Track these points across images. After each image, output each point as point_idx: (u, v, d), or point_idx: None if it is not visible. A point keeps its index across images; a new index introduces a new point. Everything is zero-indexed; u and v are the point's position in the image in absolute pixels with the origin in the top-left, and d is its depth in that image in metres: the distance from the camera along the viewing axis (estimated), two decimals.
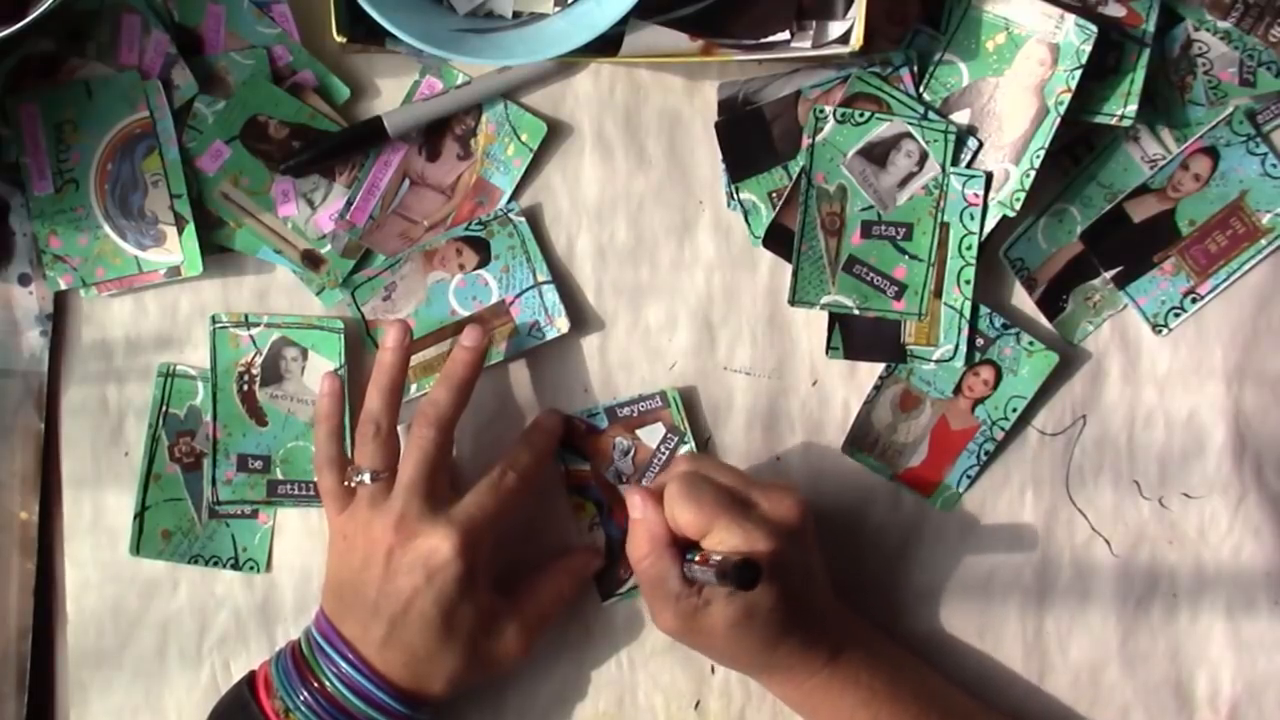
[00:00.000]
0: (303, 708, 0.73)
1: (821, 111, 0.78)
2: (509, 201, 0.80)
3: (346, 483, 0.77)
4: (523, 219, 0.80)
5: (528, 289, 0.81)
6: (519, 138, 0.80)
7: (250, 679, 0.76)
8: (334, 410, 0.79)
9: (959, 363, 0.80)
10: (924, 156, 0.79)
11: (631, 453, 0.81)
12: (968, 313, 0.79)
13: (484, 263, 0.81)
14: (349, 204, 0.81)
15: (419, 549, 0.73)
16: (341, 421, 0.79)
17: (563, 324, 0.80)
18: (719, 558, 0.70)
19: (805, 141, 0.79)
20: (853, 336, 0.81)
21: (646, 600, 0.75)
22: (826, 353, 0.81)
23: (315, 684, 0.74)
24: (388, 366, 0.77)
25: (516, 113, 0.80)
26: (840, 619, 0.77)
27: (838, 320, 0.81)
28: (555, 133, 0.81)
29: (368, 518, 0.75)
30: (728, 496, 0.73)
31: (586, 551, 0.81)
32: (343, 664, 0.73)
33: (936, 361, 0.80)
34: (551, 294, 0.80)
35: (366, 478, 0.75)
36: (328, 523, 0.78)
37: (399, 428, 0.77)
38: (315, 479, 0.79)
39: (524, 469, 0.77)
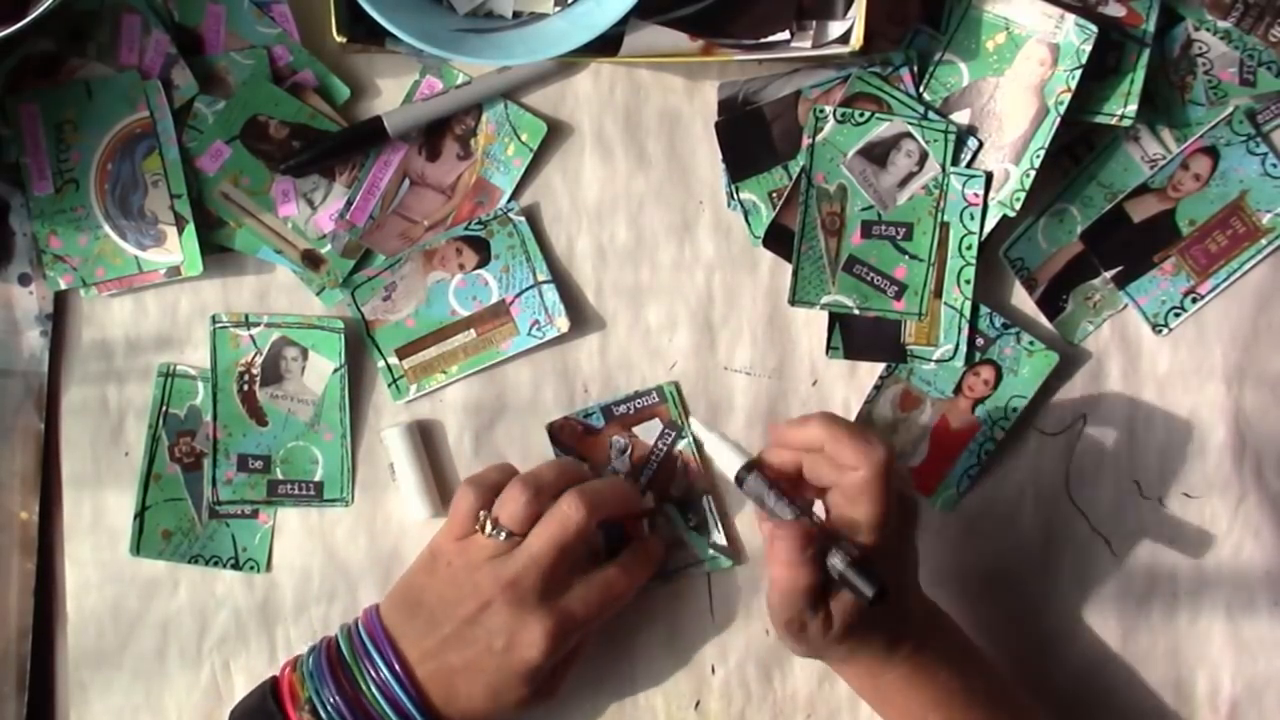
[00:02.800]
0: (333, 713, 0.72)
1: (821, 111, 0.78)
2: (509, 201, 0.80)
3: (477, 526, 0.75)
4: (522, 219, 0.80)
5: (527, 288, 0.81)
6: (519, 138, 0.80)
7: (274, 685, 0.75)
8: (498, 482, 0.77)
9: (959, 363, 0.80)
10: (924, 156, 0.79)
11: (628, 450, 0.81)
12: (968, 313, 0.79)
13: (484, 262, 0.81)
14: (349, 204, 0.81)
15: (514, 623, 0.73)
16: (495, 494, 0.77)
17: (563, 323, 0.80)
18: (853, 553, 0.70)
19: (805, 141, 0.79)
20: (853, 336, 0.81)
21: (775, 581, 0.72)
22: (826, 353, 0.81)
23: (349, 689, 0.73)
24: (604, 486, 0.77)
25: (516, 113, 0.80)
26: (925, 612, 0.76)
27: (838, 320, 0.81)
28: (555, 133, 0.81)
29: (480, 563, 0.74)
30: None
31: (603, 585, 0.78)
32: (385, 672, 0.73)
33: (936, 361, 0.80)
34: (551, 293, 0.80)
35: (502, 534, 0.74)
36: (434, 535, 0.77)
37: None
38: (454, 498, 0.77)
39: (636, 578, 0.77)
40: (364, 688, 0.73)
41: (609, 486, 0.77)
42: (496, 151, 0.81)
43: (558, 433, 0.82)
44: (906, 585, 0.74)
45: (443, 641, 0.73)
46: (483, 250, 0.81)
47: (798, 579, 0.70)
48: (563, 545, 0.73)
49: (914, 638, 0.73)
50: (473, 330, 0.81)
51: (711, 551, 0.82)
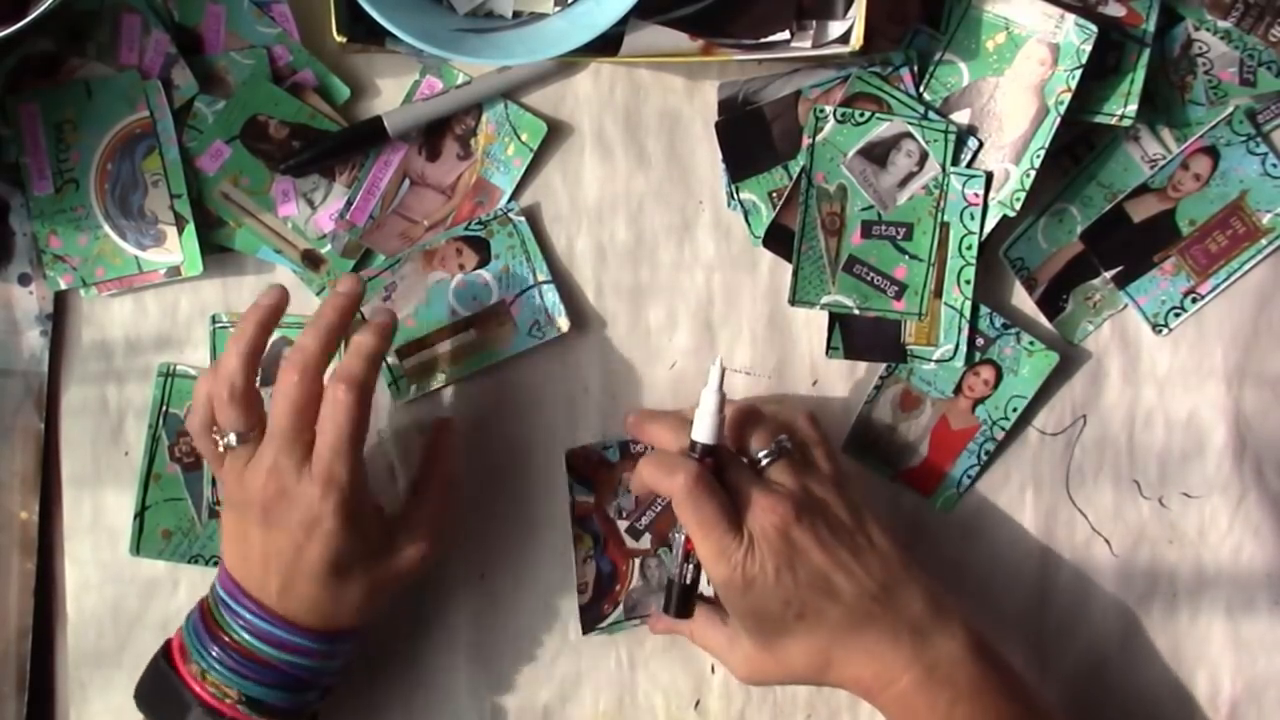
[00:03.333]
0: (216, 665, 0.72)
1: (822, 111, 0.78)
2: (508, 201, 0.80)
3: (217, 448, 0.74)
4: (522, 219, 0.80)
5: (528, 288, 0.81)
6: (519, 138, 0.80)
7: (166, 648, 0.75)
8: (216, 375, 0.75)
9: (959, 363, 0.80)
10: (924, 156, 0.79)
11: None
12: (968, 313, 0.79)
13: (484, 262, 0.81)
14: (349, 204, 0.81)
15: (293, 506, 0.71)
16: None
17: (563, 323, 0.80)
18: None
19: (805, 141, 0.79)
20: (853, 336, 0.81)
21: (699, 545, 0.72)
22: (826, 353, 0.81)
23: (225, 639, 0.73)
24: (249, 325, 0.73)
25: (516, 113, 0.80)
26: (941, 621, 0.73)
27: (838, 320, 0.81)
28: (555, 133, 0.81)
29: (239, 476, 0.73)
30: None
31: (440, 428, 0.80)
32: (247, 615, 0.73)
33: (936, 361, 0.80)
34: (551, 294, 0.80)
35: (233, 439, 0.73)
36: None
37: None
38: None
39: (352, 376, 0.72)
40: (238, 636, 0.73)
41: (311, 338, 0.73)
42: (496, 151, 0.81)
43: (574, 459, 0.82)
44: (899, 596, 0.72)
45: (265, 565, 0.72)
46: (483, 250, 0.81)
47: (707, 503, 0.71)
48: (296, 411, 0.71)
49: (928, 652, 0.71)
50: (473, 330, 0.81)
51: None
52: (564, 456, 0.82)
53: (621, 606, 0.82)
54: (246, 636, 0.73)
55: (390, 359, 0.81)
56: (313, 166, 0.80)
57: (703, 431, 0.72)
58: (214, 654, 0.73)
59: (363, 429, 0.72)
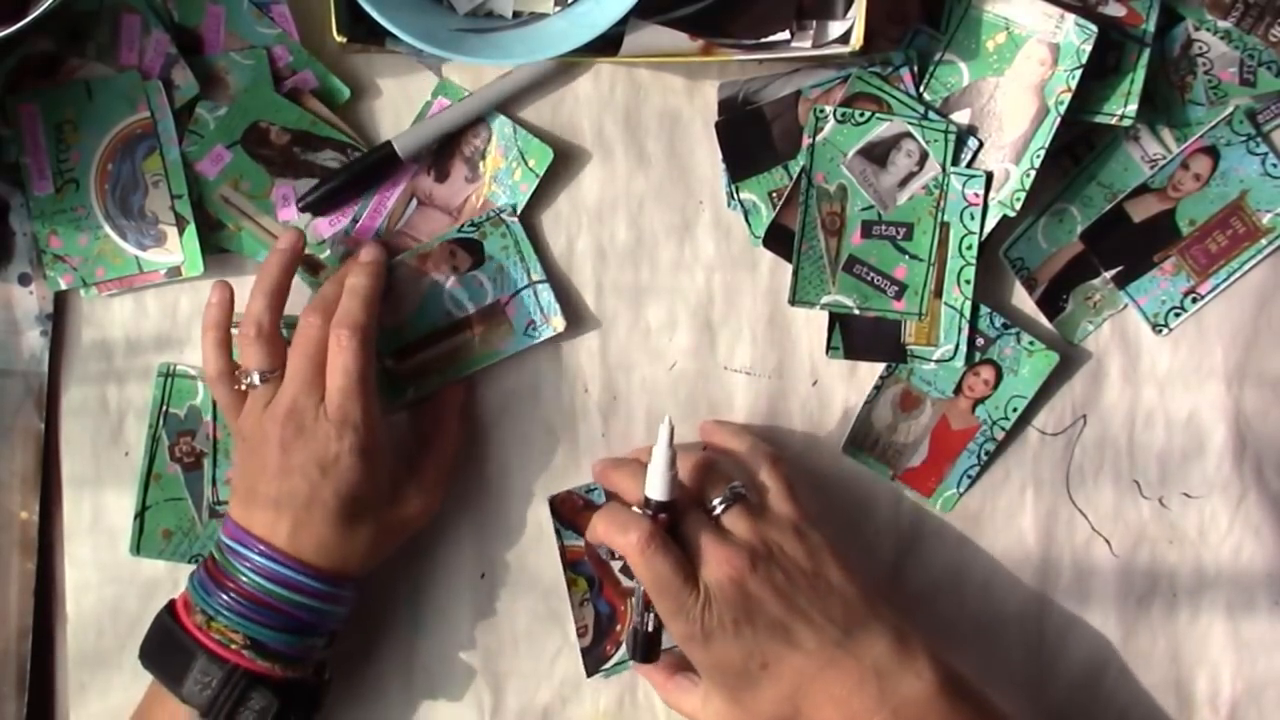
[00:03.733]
0: (224, 611, 0.72)
1: (822, 111, 0.78)
2: (506, 204, 0.80)
3: (237, 387, 0.76)
4: (515, 220, 0.80)
5: (522, 288, 0.80)
6: (526, 163, 0.80)
7: (170, 606, 0.75)
8: (222, 319, 0.77)
9: (959, 363, 0.80)
10: (924, 156, 0.79)
11: None
12: (968, 313, 0.79)
13: (478, 264, 0.80)
14: (354, 221, 0.81)
15: (309, 445, 0.73)
16: (229, 332, 0.77)
17: (558, 323, 0.80)
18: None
19: (805, 141, 0.79)
20: (853, 336, 0.81)
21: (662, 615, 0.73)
22: (827, 353, 0.81)
23: (231, 585, 0.73)
24: (272, 267, 0.76)
25: (525, 137, 0.80)
26: (895, 638, 0.72)
27: (838, 320, 0.81)
28: (562, 155, 0.81)
29: (259, 417, 0.74)
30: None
31: (452, 388, 0.81)
32: (256, 558, 0.73)
33: (936, 361, 0.80)
34: (546, 293, 0.80)
35: (256, 379, 0.74)
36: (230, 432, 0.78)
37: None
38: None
39: (354, 321, 0.74)
40: (246, 579, 0.73)
41: (333, 287, 0.76)
42: (504, 176, 0.80)
43: (559, 505, 0.82)
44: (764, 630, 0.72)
45: (277, 506, 0.73)
46: (477, 252, 0.80)
47: (661, 562, 0.71)
48: (316, 353, 0.74)
49: (899, 689, 0.71)
50: (469, 332, 0.81)
51: None
52: (548, 503, 0.82)
53: (624, 646, 0.82)
54: (255, 578, 0.73)
55: (387, 362, 0.80)
56: (329, 201, 0.80)
57: (655, 488, 0.72)
58: (221, 600, 0.73)
59: (369, 369, 0.74)
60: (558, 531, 0.82)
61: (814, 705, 0.71)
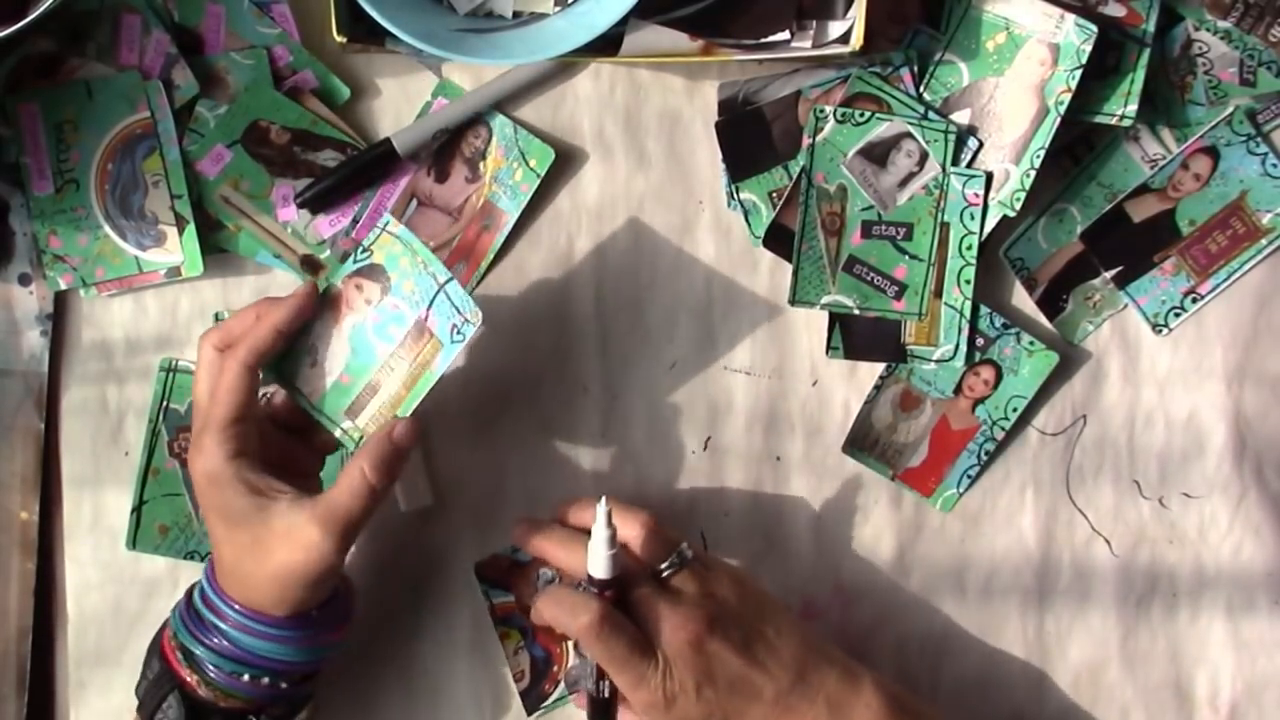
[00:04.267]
0: (173, 610, 0.75)
1: (822, 111, 0.78)
2: (384, 216, 0.75)
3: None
4: (402, 227, 0.74)
5: (435, 295, 0.74)
6: (527, 164, 0.80)
7: (159, 638, 0.77)
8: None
9: (959, 363, 0.80)
10: (924, 156, 0.79)
11: (555, 580, 0.81)
12: (968, 313, 0.79)
13: (387, 288, 0.75)
14: (354, 221, 0.81)
15: (193, 473, 0.72)
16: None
17: (476, 316, 0.73)
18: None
19: (805, 141, 0.79)
20: (853, 336, 0.81)
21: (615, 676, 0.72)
22: (827, 353, 0.81)
23: (192, 592, 0.75)
24: (287, 309, 0.74)
25: (525, 137, 0.80)
26: (841, 672, 0.73)
27: (838, 320, 0.81)
28: (562, 155, 0.81)
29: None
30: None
31: (385, 426, 0.73)
32: (204, 571, 0.74)
33: (937, 361, 0.80)
34: (456, 290, 0.74)
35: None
36: None
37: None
38: None
39: (229, 345, 0.73)
40: (193, 587, 0.75)
41: (234, 318, 0.74)
42: (504, 176, 0.80)
43: (484, 570, 0.82)
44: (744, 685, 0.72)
45: (218, 554, 0.73)
46: (379, 276, 0.75)
47: (616, 641, 0.70)
48: (207, 383, 0.73)
49: (832, 711, 0.72)
50: (404, 362, 0.75)
51: None
52: (473, 569, 0.82)
53: (562, 683, 0.82)
54: (195, 587, 0.75)
55: (345, 423, 0.75)
56: (328, 198, 0.80)
57: (598, 568, 0.71)
58: (178, 602, 0.75)
59: (236, 387, 0.71)
60: (485, 593, 0.82)
61: None
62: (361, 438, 0.75)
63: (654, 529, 0.74)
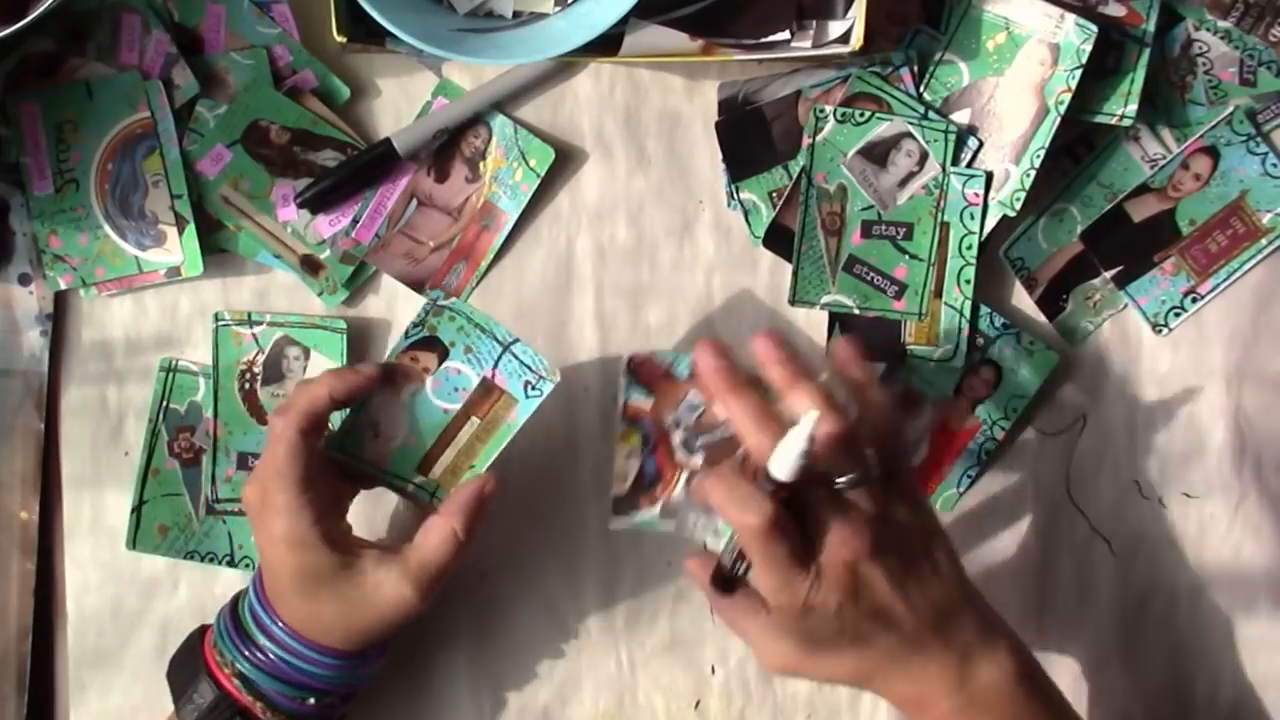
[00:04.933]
0: (224, 636, 0.74)
1: (822, 111, 0.78)
2: (431, 291, 0.77)
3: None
4: (454, 300, 0.75)
5: (500, 356, 0.76)
6: (527, 163, 0.80)
7: (204, 628, 0.77)
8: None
9: (959, 363, 0.80)
10: (924, 156, 0.79)
11: (700, 412, 0.78)
12: (968, 313, 0.79)
13: (444, 355, 0.76)
14: (354, 221, 0.81)
15: (262, 522, 0.73)
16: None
17: (552, 373, 0.75)
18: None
19: (805, 141, 0.79)
20: (852, 337, 0.81)
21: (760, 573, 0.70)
22: (826, 353, 0.81)
23: (231, 610, 0.76)
24: (348, 378, 0.74)
25: (526, 137, 0.80)
26: (990, 632, 0.71)
27: (837, 320, 0.81)
28: (562, 155, 0.81)
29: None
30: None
31: (473, 482, 0.75)
32: (253, 598, 0.74)
33: (937, 361, 0.80)
34: (524, 351, 0.75)
35: None
36: None
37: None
38: None
39: (285, 406, 0.73)
40: (241, 612, 0.75)
41: (308, 386, 0.74)
42: (504, 176, 0.80)
43: (637, 366, 0.78)
44: (878, 603, 0.70)
45: (289, 606, 0.74)
46: (436, 346, 0.76)
47: (778, 548, 0.67)
48: (265, 448, 0.73)
49: (983, 663, 0.70)
50: (474, 418, 0.76)
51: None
52: (625, 361, 0.78)
53: (658, 507, 0.78)
54: (247, 614, 0.75)
55: (417, 479, 0.76)
56: (327, 198, 0.80)
57: (783, 470, 0.67)
58: (224, 625, 0.75)
59: (296, 453, 0.71)
60: (626, 388, 0.78)
61: (890, 678, 0.70)
62: (437, 489, 0.76)
63: (849, 441, 0.68)
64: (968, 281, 0.79)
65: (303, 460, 0.72)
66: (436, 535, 0.73)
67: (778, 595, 0.69)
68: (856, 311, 0.80)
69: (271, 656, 0.73)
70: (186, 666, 0.76)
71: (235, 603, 0.76)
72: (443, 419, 0.76)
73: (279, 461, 0.72)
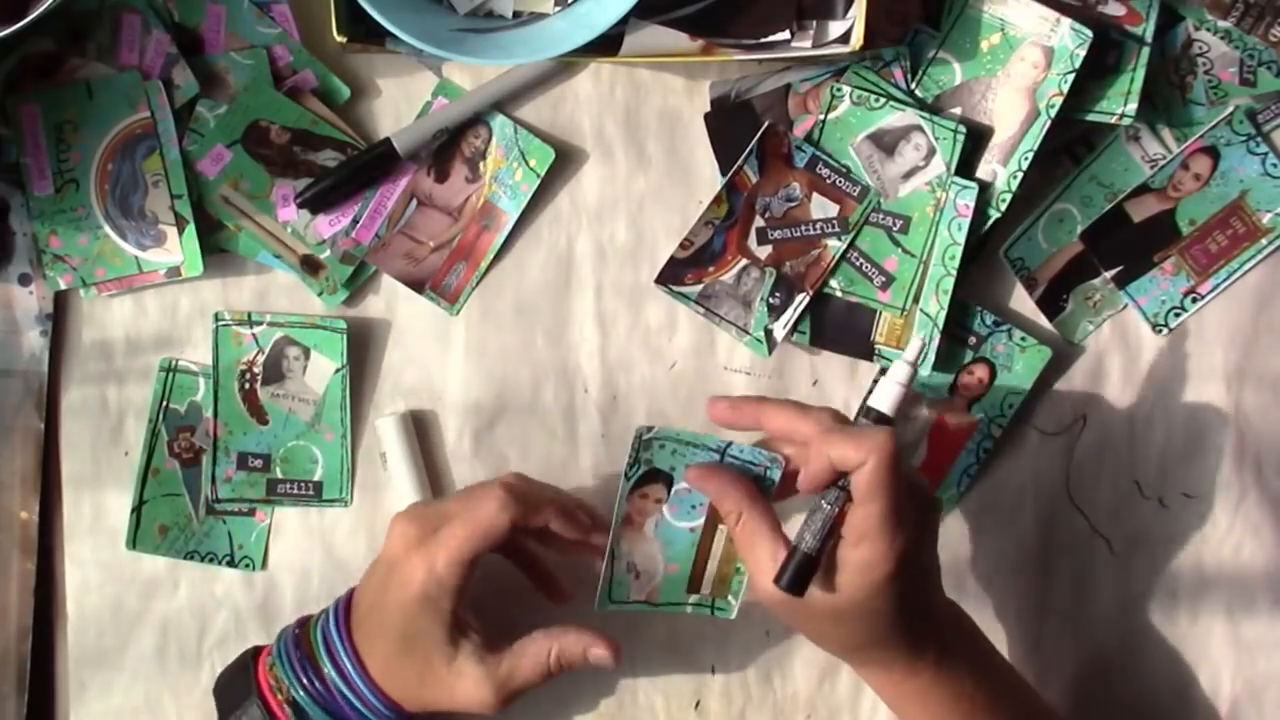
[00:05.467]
0: (282, 658, 0.74)
1: (838, 90, 0.78)
2: (645, 429, 0.75)
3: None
4: (659, 428, 0.74)
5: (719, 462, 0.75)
6: (527, 163, 0.80)
7: (257, 650, 0.77)
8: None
9: (926, 370, 0.79)
10: (931, 152, 0.78)
11: (793, 204, 0.79)
12: (941, 323, 0.78)
13: (670, 481, 0.76)
14: (354, 221, 0.81)
15: (405, 563, 0.72)
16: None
17: (775, 462, 0.73)
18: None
19: (816, 118, 0.79)
20: (823, 325, 0.81)
21: (746, 562, 0.72)
22: (791, 337, 0.80)
23: (297, 631, 0.75)
24: (570, 517, 0.75)
25: (526, 137, 0.80)
26: (951, 617, 0.74)
27: (810, 307, 0.80)
28: (562, 154, 0.81)
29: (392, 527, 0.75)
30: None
31: (598, 640, 0.75)
32: (331, 627, 0.74)
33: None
34: (741, 449, 0.73)
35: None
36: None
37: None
38: None
39: (512, 482, 0.74)
40: (312, 640, 0.75)
41: (532, 487, 0.75)
42: (504, 176, 0.81)
43: (764, 139, 0.78)
44: (930, 589, 0.73)
45: (369, 611, 0.74)
46: (659, 476, 0.76)
47: (754, 518, 0.70)
48: (468, 490, 0.74)
49: (937, 645, 0.72)
50: (720, 525, 0.76)
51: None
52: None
53: (701, 286, 0.80)
54: (319, 641, 0.74)
55: (692, 599, 0.77)
56: (327, 198, 0.80)
57: (885, 400, 0.69)
58: (285, 646, 0.75)
59: (486, 535, 0.72)
60: (752, 152, 0.79)
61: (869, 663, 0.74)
62: (714, 601, 0.78)
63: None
64: (946, 292, 0.78)
65: (491, 543, 0.72)
66: (533, 657, 0.74)
67: (874, 547, 0.67)
68: (840, 294, 0.80)
69: (332, 688, 0.73)
70: (237, 686, 0.76)
71: (302, 626, 0.76)
72: (692, 538, 0.77)
73: (473, 529, 0.72)
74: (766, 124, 0.79)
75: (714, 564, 0.77)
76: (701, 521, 0.76)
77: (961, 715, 0.72)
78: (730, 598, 0.77)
